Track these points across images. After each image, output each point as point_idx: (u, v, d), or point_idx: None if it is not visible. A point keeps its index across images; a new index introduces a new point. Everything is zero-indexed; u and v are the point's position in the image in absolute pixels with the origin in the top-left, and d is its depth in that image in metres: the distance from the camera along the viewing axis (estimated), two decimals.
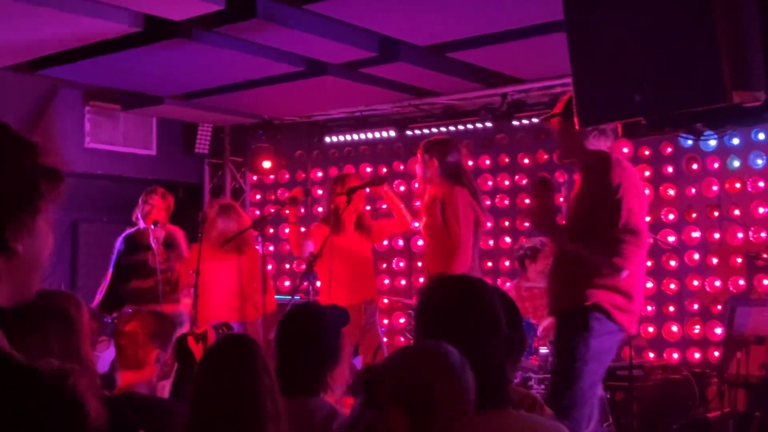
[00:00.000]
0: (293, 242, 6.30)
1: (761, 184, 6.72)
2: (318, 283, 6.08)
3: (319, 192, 8.01)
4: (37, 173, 1.39)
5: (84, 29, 5.64)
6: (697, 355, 6.94)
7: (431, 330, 2.16)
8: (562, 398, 3.92)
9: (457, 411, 1.90)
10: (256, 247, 6.25)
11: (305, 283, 5.66)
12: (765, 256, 6.35)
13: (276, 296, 8.60)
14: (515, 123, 7.66)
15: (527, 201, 7.66)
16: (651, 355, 7.05)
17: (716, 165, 6.95)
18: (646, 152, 7.24)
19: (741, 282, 6.75)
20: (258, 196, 9.43)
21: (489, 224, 5.61)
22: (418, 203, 5.99)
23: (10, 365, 1.27)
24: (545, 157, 7.80)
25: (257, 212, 9.25)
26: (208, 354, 2.42)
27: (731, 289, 6.78)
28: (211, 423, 2.23)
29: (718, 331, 6.78)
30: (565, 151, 4.24)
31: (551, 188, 4.14)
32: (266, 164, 8.82)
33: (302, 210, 6.18)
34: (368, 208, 8.64)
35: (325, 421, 2.62)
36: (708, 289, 6.92)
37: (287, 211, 6.36)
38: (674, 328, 7.03)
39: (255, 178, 9.36)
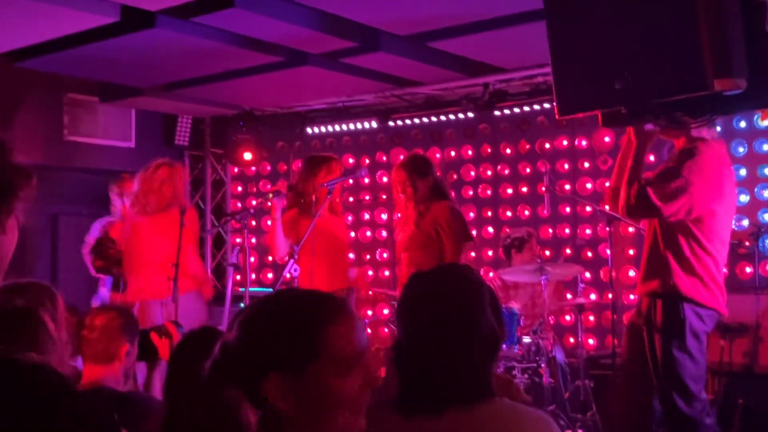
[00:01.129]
0: (273, 239, 5.80)
1: (743, 171, 6.73)
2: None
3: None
4: (11, 172, 1.40)
5: (60, 20, 5.56)
6: None
7: (414, 323, 2.12)
8: (676, 389, 4.00)
9: None
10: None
11: (288, 275, 5.57)
12: (747, 244, 6.35)
13: (259, 288, 8.61)
14: (497, 113, 7.65)
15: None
16: None
17: None
18: None
19: (723, 270, 6.75)
20: (239, 188, 9.37)
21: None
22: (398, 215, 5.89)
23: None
24: (527, 146, 7.79)
25: (239, 204, 9.20)
26: (178, 349, 2.37)
27: None
28: (189, 419, 2.20)
29: None
30: (668, 132, 4.14)
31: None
32: (247, 156, 8.75)
33: (285, 203, 5.93)
34: (351, 199, 8.65)
35: None
36: None
37: (269, 204, 6.20)
38: None
39: (236, 169, 9.30)
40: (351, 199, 8.66)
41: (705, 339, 4.12)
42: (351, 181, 7.97)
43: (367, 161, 8.53)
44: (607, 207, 5.30)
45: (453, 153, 8.16)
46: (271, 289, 5.95)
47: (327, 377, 1.62)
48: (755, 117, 6.52)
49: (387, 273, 8.39)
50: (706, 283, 4.07)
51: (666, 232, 4.09)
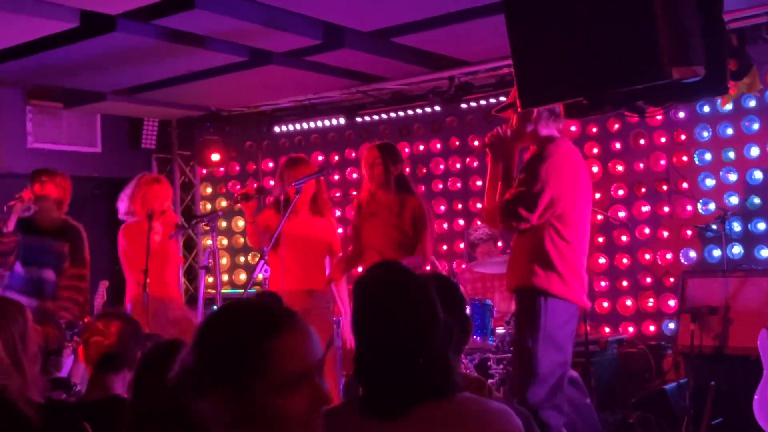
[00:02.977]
0: (253, 241, 6.03)
1: (708, 156, 6.80)
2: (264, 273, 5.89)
3: (272, 183, 7.87)
4: None
5: (19, 27, 5.50)
6: (651, 328, 7.02)
7: (370, 325, 2.11)
8: (524, 378, 4.03)
9: None
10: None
11: (259, 275, 5.54)
12: (714, 227, 6.43)
13: (232, 290, 8.58)
14: (464, 106, 7.66)
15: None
16: (607, 329, 7.13)
17: (663, 139, 7.02)
18: (594, 129, 7.29)
19: (692, 254, 6.83)
20: (209, 190, 9.32)
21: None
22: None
23: None
24: None
25: (208, 206, 9.15)
26: (144, 359, 2.36)
27: (683, 261, 6.86)
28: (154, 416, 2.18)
29: (672, 303, 6.86)
30: (519, 136, 4.33)
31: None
32: (215, 157, 8.71)
33: (256, 205, 5.88)
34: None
35: None
36: (660, 262, 7.00)
37: (238, 205, 6.17)
38: (628, 302, 7.11)
39: (204, 171, 9.25)
40: None
41: (563, 333, 4.12)
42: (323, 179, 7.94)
43: (336, 158, 8.52)
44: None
45: (421, 147, 8.17)
46: (242, 291, 5.94)
47: (269, 395, 1.47)
48: (718, 102, 6.59)
49: (360, 269, 8.37)
50: (564, 277, 4.08)
51: (528, 228, 4.14)
